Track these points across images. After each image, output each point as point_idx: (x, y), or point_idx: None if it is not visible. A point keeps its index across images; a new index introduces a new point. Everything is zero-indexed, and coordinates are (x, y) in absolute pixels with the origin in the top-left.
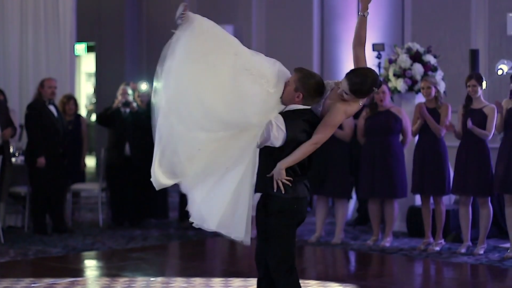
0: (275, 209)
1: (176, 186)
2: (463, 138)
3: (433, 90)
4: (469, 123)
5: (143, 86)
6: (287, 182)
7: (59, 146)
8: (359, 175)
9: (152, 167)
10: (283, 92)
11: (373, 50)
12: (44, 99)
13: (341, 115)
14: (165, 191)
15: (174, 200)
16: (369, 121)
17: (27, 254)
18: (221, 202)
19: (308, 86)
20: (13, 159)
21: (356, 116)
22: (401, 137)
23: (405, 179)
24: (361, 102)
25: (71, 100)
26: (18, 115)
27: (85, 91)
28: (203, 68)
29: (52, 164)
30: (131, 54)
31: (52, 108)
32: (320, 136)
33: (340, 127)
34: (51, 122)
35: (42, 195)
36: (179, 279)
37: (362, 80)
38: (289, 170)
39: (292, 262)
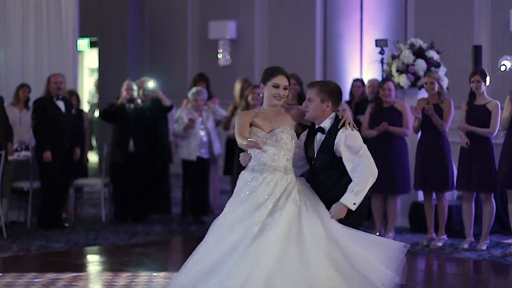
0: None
1: (178, 181)
2: (467, 134)
3: (436, 85)
4: (476, 128)
5: (151, 84)
6: None
7: (65, 142)
8: None
9: None
10: (306, 111)
11: (376, 46)
12: (51, 94)
13: None
14: (168, 186)
15: (177, 196)
16: (373, 117)
17: (29, 249)
18: None
19: (332, 91)
20: (16, 154)
21: (361, 111)
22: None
23: (407, 175)
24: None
25: (73, 95)
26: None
27: (88, 87)
28: None
29: (59, 159)
30: (134, 49)
31: (60, 103)
32: None
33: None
34: (57, 118)
35: (51, 190)
36: None
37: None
38: None
39: None
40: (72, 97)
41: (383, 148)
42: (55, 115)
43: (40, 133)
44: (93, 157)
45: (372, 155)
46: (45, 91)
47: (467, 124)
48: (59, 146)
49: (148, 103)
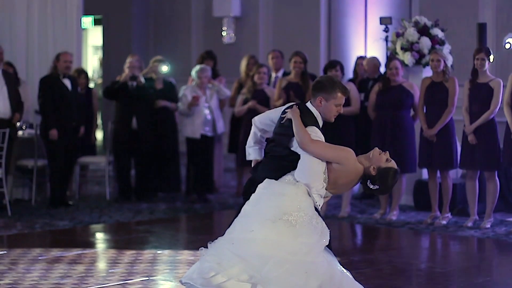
0: None
1: (183, 159)
2: (470, 112)
3: (442, 63)
4: (479, 121)
5: (164, 68)
6: None
7: (72, 120)
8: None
9: None
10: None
11: (381, 23)
12: (58, 72)
13: None
14: (177, 164)
15: (181, 174)
16: (380, 96)
17: (34, 227)
18: None
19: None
20: (20, 132)
21: (365, 89)
22: (412, 112)
23: (415, 154)
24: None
25: (82, 74)
26: (29, 87)
27: (92, 65)
28: None
29: (65, 137)
30: (138, 27)
31: (67, 81)
32: None
33: (348, 103)
34: (63, 96)
35: (59, 168)
36: (186, 251)
37: None
38: None
39: None
40: (81, 76)
41: (392, 128)
42: (61, 93)
43: (47, 111)
44: (98, 135)
45: (380, 134)
46: (52, 68)
47: (471, 126)
48: (66, 124)
49: (160, 86)
